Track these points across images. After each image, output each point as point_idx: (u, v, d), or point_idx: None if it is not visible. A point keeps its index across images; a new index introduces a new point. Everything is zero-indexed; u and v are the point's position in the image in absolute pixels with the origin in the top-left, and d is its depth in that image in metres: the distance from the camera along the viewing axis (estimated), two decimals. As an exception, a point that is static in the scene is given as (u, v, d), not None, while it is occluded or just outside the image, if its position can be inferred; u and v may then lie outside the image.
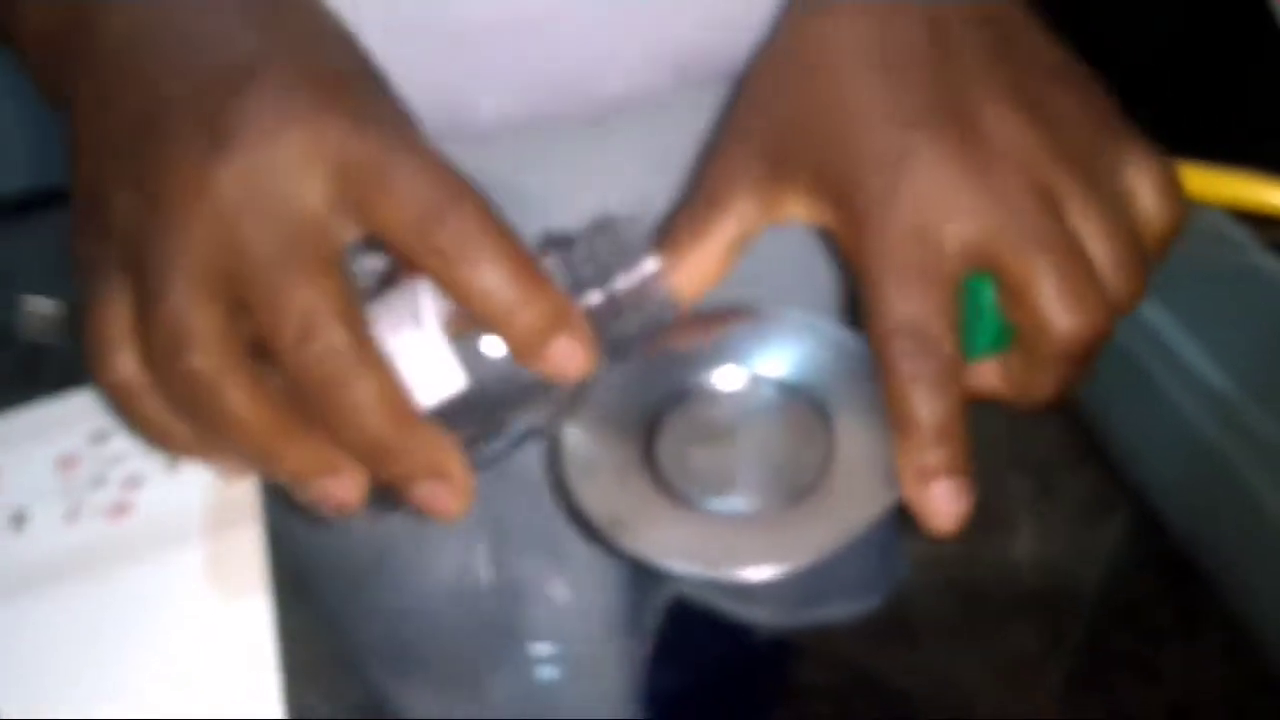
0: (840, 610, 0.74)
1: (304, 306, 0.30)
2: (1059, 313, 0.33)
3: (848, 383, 0.38)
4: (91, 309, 0.32)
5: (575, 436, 0.38)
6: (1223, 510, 1.19)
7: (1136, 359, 1.24)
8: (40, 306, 0.42)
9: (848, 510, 0.36)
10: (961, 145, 0.33)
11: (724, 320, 0.40)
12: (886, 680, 1.22)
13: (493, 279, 0.31)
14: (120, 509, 0.39)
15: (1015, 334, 0.35)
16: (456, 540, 0.53)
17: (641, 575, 0.58)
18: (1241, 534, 1.17)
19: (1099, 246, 0.33)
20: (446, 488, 0.32)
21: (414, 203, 0.31)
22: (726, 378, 0.40)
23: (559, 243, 0.34)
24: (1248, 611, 1.18)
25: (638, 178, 0.46)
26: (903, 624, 1.25)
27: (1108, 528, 1.33)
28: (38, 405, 0.41)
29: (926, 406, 0.33)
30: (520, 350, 0.32)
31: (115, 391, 0.32)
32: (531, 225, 0.36)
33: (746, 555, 0.35)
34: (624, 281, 0.34)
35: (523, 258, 0.31)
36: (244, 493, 0.39)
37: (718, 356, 0.40)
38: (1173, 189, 0.35)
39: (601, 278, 0.34)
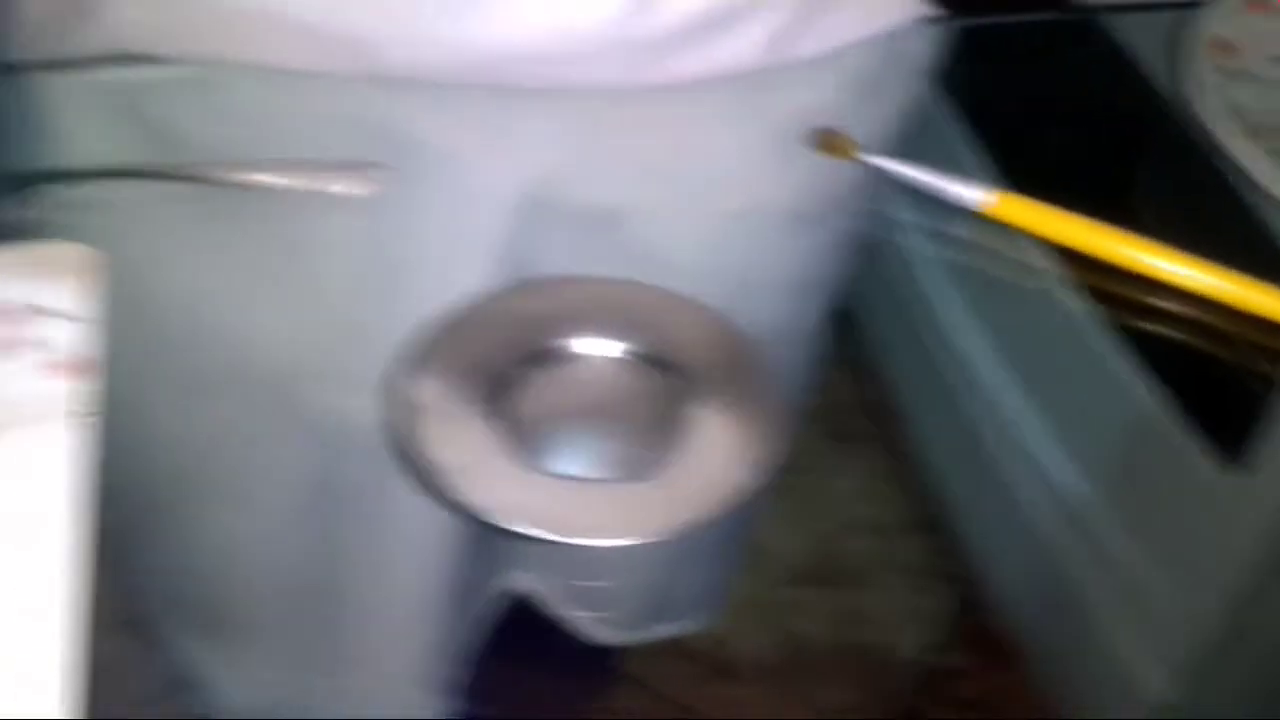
0: (672, 628, 0.73)
1: None
2: None
3: (712, 365, 0.38)
4: None
5: (425, 383, 0.36)
6: (1054, 613, 1.18)
7: (979, 436, 1.22)
8: None
9: (700, 492, 0.35)
10: None
11: (597, 289, 0.39)
12: (706, 716, 1.22)
13: None
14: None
15: None
16: (278, 491, 0.50)
17: (477, 554, 0.56)
18: (1071, 641, 1.17)
19: None
20: None
21: None
22: (591, 346, 0.39)
23: None
24: (1062, 700, 1.20)
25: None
26: (725, 664, 1.25)
27: (935, 597, 1.36)
28: None
29: None
30: None
31: None
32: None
33: (592, 524, 0.34)
34: None
35: None
36: (58, 391, 0.36)
37: (586, 324, 0.39)
38: None
39: None
